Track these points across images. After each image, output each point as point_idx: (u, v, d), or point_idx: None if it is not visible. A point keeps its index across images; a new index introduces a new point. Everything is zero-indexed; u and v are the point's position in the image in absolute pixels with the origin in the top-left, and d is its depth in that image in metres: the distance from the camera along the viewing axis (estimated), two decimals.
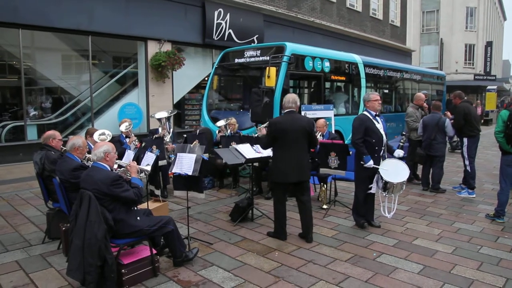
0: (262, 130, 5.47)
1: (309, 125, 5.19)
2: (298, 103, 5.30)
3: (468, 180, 7.67)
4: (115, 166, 4.43)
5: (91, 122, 12.10)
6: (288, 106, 5.21)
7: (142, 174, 4.71)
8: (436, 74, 18.29)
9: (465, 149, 7.68)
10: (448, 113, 8.43)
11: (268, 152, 6.11)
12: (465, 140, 7.68)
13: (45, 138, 5.40)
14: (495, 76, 38.92)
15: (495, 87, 27.70)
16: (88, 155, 5.04)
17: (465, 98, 8.03)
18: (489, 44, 40.24)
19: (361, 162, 5.51)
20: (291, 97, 5.26)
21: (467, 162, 7.65)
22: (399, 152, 5.72)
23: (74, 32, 11.45)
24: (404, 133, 7.91)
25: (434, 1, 39.70)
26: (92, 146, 5.37)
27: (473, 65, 39.63)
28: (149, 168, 4.75)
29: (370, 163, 5.44)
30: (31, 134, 11.07)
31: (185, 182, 4.98)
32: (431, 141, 7.77)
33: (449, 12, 38.66)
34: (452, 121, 7.85)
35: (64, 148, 5.17)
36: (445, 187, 8.05)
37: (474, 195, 7.55)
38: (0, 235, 5.45)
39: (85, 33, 11.58)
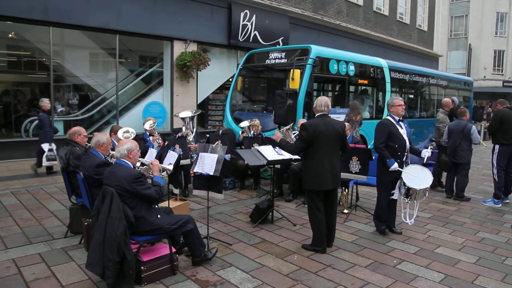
0: (277, 134, 5.13)
1: (343, 130, 5.05)
2: (330, 106, 5.06)
3: (495, 189, 7.48)
4: (138, 164, 4.48)
5: (116, 120, 12.30)
6: (320, 109, 4.98)
7: (164, 173, 4.75)
8: (463, 80, 17.93)
9: (495, 156, 7.47)
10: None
11: (290, 154, 6.07)
12: (496, 147, 7.46)
13: (71, 134, 5.52)
14: None
15: None
16: (112, 152, 5.12)
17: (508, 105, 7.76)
18: None
19: (385, 167, 5.42)
20: (323, 100, 5.02)
21: (495, 171, 7.46)
22: (426, 152, 5.55)
23: (103, 31, 11.66)
24: (433, 138, 7.71)
25: (463, 6, 38.98)
26: (116, 143, 5.46)
27: (502, 71, 38.66)
28: (171, 167, 4.78)
29: (395, 166, 5.34)
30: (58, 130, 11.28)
31: (204, 181, 4.97)
32: (455, 148, 7.60)
33: (479, 17, 37.86)
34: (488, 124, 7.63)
35: (89, 144, 5.27)
36: (469, 195, 7.88)
37: (499, 205, 7.35)
38: (25, 228, 5.58)
39: (113, 32, 11.78)
